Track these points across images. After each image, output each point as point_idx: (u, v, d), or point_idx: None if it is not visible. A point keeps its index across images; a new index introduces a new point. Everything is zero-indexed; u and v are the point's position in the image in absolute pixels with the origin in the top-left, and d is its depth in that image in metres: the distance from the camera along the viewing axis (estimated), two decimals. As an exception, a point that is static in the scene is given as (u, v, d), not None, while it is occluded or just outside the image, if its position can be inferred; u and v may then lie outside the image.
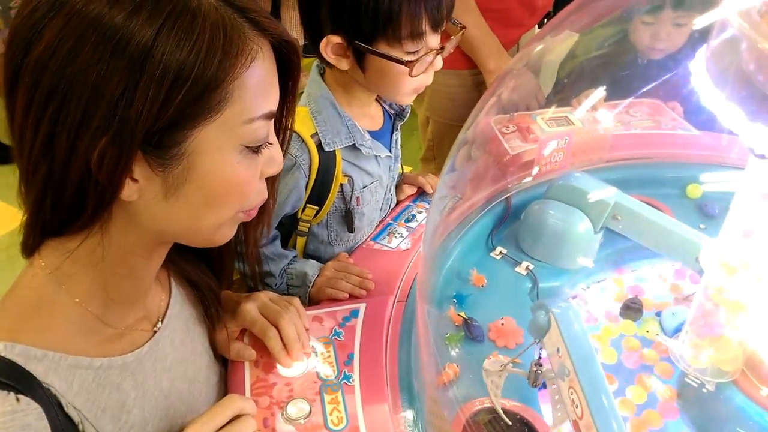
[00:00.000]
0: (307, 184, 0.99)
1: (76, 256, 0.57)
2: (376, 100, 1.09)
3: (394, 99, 1.05)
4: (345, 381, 0.74)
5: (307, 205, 1.01)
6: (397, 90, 0.97)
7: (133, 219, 0.57)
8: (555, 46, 1.01)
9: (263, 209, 0.68)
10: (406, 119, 1.13)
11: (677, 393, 0.78)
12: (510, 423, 0.70)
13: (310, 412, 0.70)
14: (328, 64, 0.95)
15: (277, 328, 0.77)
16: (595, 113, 1.24)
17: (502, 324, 0.85)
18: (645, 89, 1.13)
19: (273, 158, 0.62)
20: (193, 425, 0.60)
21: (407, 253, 1.02)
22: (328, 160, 0.99)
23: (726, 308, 0.71)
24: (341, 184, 1.01)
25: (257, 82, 0.56)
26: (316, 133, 0.97)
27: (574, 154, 1.11)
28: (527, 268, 0.97)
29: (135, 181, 0.53)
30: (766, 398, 0.70)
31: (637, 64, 1.20)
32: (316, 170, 0.98)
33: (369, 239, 1.03)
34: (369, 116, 1.06)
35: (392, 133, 1.11)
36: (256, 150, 0.58)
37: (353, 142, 0.99)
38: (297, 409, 0.70)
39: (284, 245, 1.05)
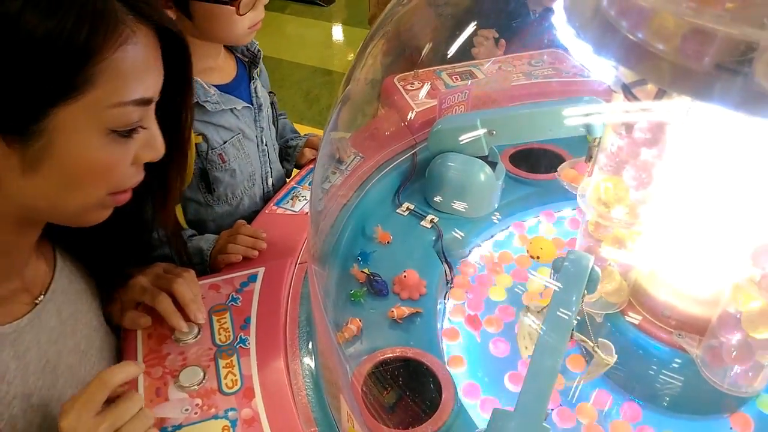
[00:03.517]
0: None
1: None
2: (227, 50, 1.07)
3: (231, 41, 1.03)
4: (240, 344, 0.73)
5: None
6: (231, 32, 0.96)
7: None
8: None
9: (169, 193, 0.69)
10: (260, 64, 1.12)
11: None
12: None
13: (204, 377, 0.70)
14: None
15: (172, 293, 0.77)
16: (496, 66, 1.26)
17: (405, 276, 0.86)
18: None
19: (150, 144, 0.61)
20: (69, 413, 0.57)
21: (311, 215, 1.01)
22: None
23: (605, 243, 0.74)
24: (196, 144, 0.99)
25: (128, 67, 0.55)
26: None
27: (476, 106, 1.12)
28: (432, 221, 0.98)
29: None
30: (649, 324, 0.74)
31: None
32: None
33: (272, 204, 1.02)
34: (217, 70, 1.04)
35: (250, 82, 1.09)
36: (126, 135, 0.57)
37: (196, 100, 0.97)
38: (189, 375, 0.69)
39: None
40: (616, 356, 0.69)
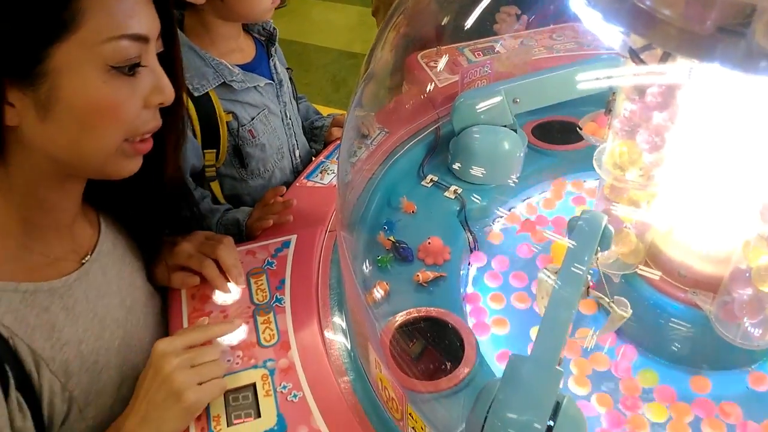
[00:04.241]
0: (193, 131, 1.03)
1: None
2: (245, 31, 1.12)
3: (254, 18, 1.08)
4: (276, 303, 0.79)
5: (205, 151, 1.05)
6: (255, 8, 1.02)
7: (23, 146, 0.61)
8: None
9: (167, 145, 0.72)
10: (276, 41, 1.17)
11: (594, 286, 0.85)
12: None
13: (244, 332, 0.76)
14: (184, 6, 0.98)
15: (216, 259, 0.83)
16: (518, 41, 1.29)
17: (429, 243, 0.90)
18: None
19: (158, 87, 0.64)
20: (167, 339, 0.69)
21: (339, 187, 1.06)
22: (204, 104, 1.02)
23: (622, 204, 0.77)
24: (227, 122, 1.05)
25: (115, 2, 0.58)
26: None
27: (498, 80, 1.15)
28: (455, 192, 1.02)
29: (12, 105, 0.57)
30: (665, 284, 0.77)
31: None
32: (195, 117, 1.02)
33: (303, 177, 1.08)
34: (238, 50, 1.10)
35: (269, 60, 1.15)
36: (127, 72, 0.61)
37: (223, 80, 1.03)
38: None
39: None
40: (631, 310, 0.72)
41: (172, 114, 0.70)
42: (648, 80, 0.62)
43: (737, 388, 0.74)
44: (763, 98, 0.57)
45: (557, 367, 0.58)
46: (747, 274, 0.67)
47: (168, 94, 0.65)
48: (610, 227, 0.68)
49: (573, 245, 0.66)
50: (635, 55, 0.56)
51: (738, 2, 0.50)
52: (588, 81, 0.93)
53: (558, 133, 1.11)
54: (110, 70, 0.60)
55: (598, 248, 0.68)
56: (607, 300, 0.71)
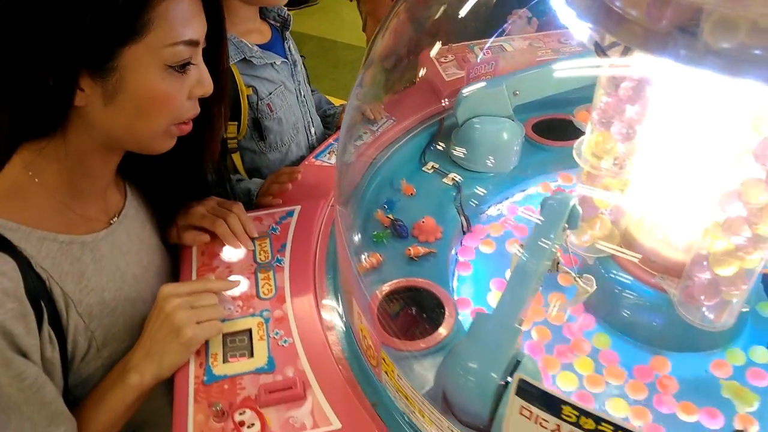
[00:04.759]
0: None
1: (45, 153, 0.72)
2: (261, 17, 1.22)
3: (273, 2, 1.19)
4: (277, 263, 0.87)
5: (228, 123, 1.14)
6: None
7: (84, 123, 0.71)
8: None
9: (214, 124, 0.82)
10: (291, 26, 1.27)
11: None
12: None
13: (246, 285, 0.84)
14: None
15: (226, 221, 0.92)
16: (527, 42, 1.35)
17: (423, 222, 0.97)
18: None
19: (200, 81, 0.75)
20: (172, 284, 0.79)
21: (345, 167, 1.13)
22: None
23: (599, 190, 0.83)
24: (248, 96, 1.14)
25: (177, 14, 0.69)
26: None
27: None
28: (453, 178, 1.09)
29: (82, 90, 0.68)
30: (636, 268, 0.83)
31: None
32: None
33: (312, 157, 1.16)
34: (256, 31, 1.20)
35: (283, 42, 1.25)
36: (180, 70, 0.71)
37: (243, 56, 1.13)
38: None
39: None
40: (597, 288, 0.78)
41: (216, 102, 0.80)
42: (634, 72, 0.68)
43: (695, 371, 0.79)
44: (717, 93, 0.63)
45: (516, 325, 0.65)
46: (706, 260, 0.73)
47: (207, 87, 0.75)
48: (578, 207, 0.75)
49: (541, 221, 0.73)
50: (599, 49, 0.62)
51: (688, 4, 0.56)
52: (581, 68, 0.99)
53: (556, 130, 1.17)
54: (167, 69, 0.70)
55: (566, 225, 0.74)
56: (573, 275, 0.78)
